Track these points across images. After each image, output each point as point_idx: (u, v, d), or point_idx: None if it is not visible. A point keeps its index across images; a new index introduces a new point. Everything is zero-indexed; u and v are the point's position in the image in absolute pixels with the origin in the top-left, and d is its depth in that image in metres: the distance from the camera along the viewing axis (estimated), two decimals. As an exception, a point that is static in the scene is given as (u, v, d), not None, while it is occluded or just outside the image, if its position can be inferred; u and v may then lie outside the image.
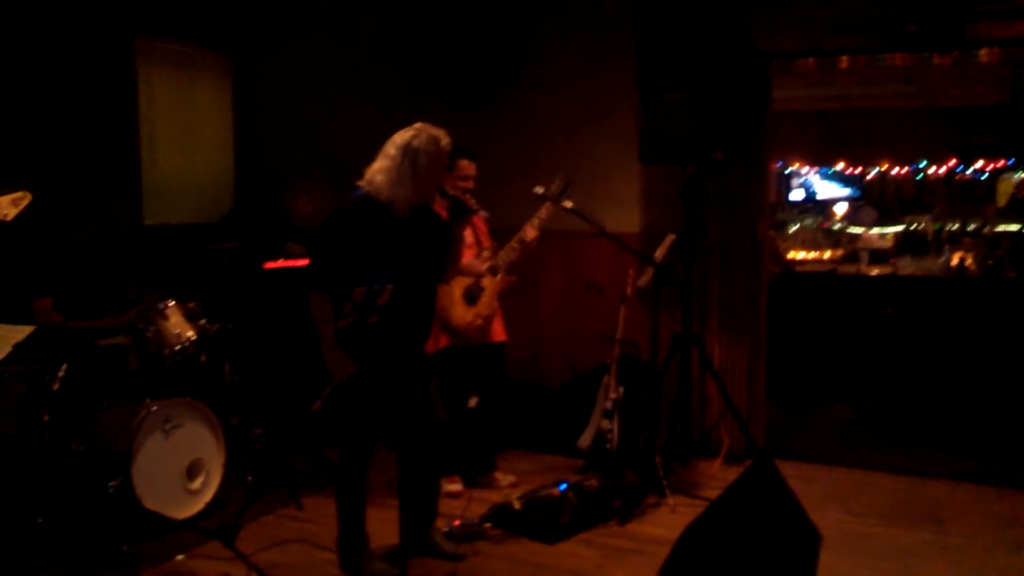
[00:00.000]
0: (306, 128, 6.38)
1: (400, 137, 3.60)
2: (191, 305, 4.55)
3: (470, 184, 4.49)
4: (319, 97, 6.39)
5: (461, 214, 3.88)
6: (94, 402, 4.31)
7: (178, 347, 4.39)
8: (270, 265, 5.54)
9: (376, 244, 3.54)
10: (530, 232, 4.65)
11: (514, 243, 4.65)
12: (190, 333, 4.45)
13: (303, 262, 5.56)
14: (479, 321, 4.59)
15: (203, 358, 4.60)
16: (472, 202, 3.89)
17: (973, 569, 3.88)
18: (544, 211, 4.64)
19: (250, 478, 4.65)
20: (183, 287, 4.79)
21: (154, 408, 4.15)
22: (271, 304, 5.49)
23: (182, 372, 4.49)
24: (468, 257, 4.57)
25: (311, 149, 6.32)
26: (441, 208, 4.00)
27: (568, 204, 4.53)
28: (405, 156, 3.54)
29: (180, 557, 3.92)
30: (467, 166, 4.50)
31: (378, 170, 3.59)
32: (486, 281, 4.61)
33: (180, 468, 4.27)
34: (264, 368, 5.42)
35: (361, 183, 3.62)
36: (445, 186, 3.84)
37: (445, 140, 3.61)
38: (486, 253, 4.66)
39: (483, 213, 4.01)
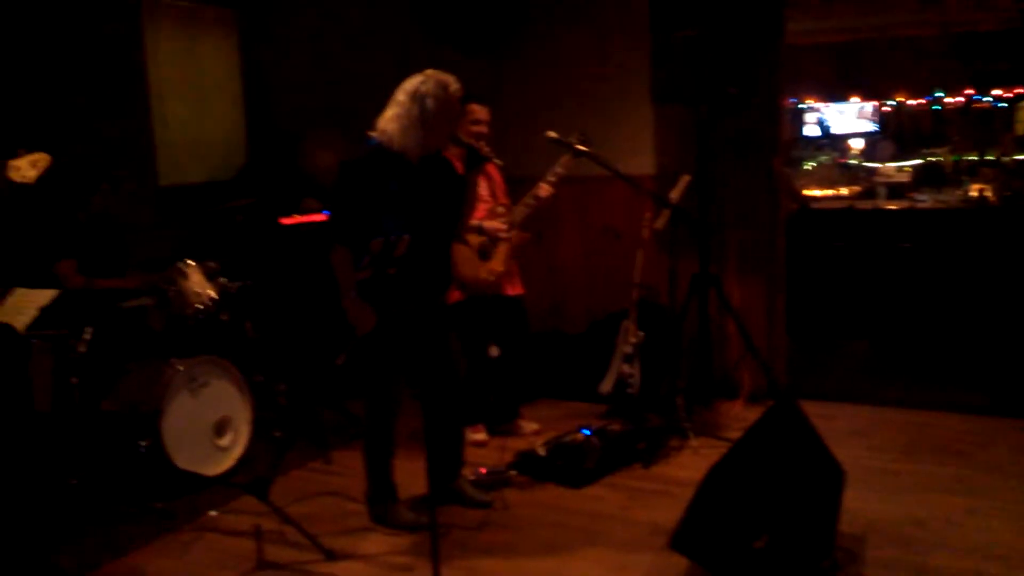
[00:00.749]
0: (317, 80, 6.33)
1: (409, 83, 3.58)
2: (211, 264, 4.57)
3: (483, 129, 4.45)
4: (329, 48, 6.33)
5: (476, 163, 3.86)
6: (120, 363, 4.37)
7: (200, 306, 4.42)
8: (286, 221, 5.54)
9: (391, 194, 3.54)
10: (544, 189, 4.61)
11: (529, 199, 4.62)
12: (211, 292, 4.48)
13: (319, 217, 5.56)
14: (492, 278, 4.58)
15: (225, 316, 4.63)
16: (486, 150, 3.86)
17: (995, 500, 3.91)
18: (560, 167, 4.60)
19: (278, 433, 4.70)
20: (201, 246, 4.80)
21: (180, 367, 4.20)
22: (289, 260, 5.51)
23: (205, 331, 4.52)
24: (483, 211, 4.56)
25: (323, 101, 6.28)
26: (455, 157, 3.98)
27: (582, 148, 4.49)
28: (414, 102, 3.52)
29: (213, 512, 4.00)
30: (478, 110, 4.46)
31: (389, 118, 3.58)
32: (503, 233, 4.59)
33: (208, 425, 4.33)
34: (285, 324, 5.45)
35: (373, 133, 3.61)
36: (459, 133, 3.82)
37: (455, 86, 3.58)
38: (500, 209, 4.64)
39: (497, 162, 3.99)
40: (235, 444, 4.44)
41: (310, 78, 6.35)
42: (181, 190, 5.73)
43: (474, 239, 4.53)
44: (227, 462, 4.38)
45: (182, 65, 5.92)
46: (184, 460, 4.12)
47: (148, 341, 4.52)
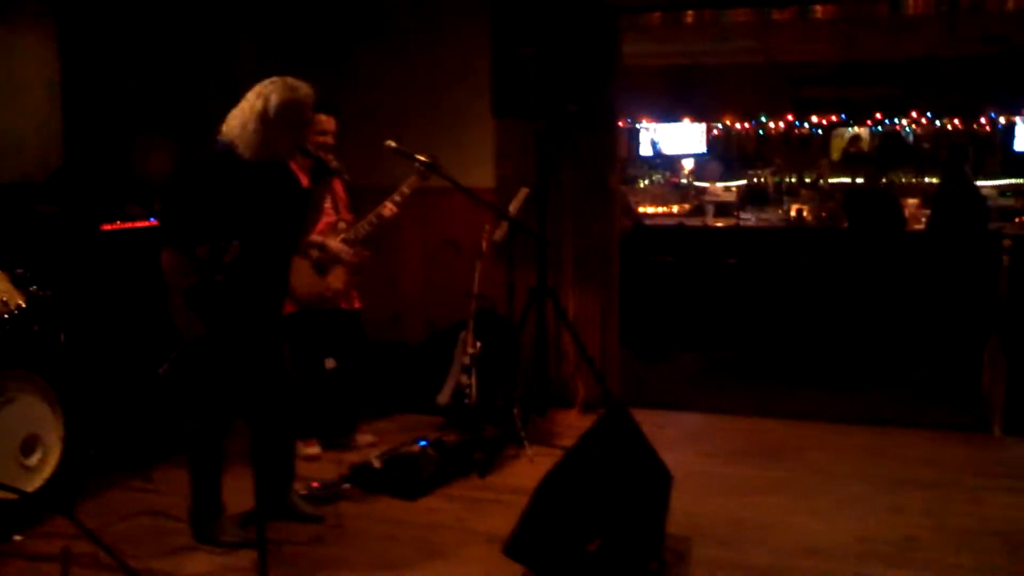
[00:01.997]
0: (145, 83, 6.03)
1: (259, 86, 3.45)
2: (19, 271, 4.25)
3: (329, 140, 4.35)
4: (159, 52, 6.04)
5: (322, 175, 3.76)
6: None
7: (5, 315, 4.09)
8: (108, 227, 5.23)
9: (230, 199, 3.39)
10: (388, 208, 4.52)
11: (372, 217, 4.52)
12: (19, 300, 4.16)
13: (143, 223, 5.29)
14: (328, 294, 4.47)
15: (36, 327, 4.31)
16: (335, 163, 3.77)
17: (814, 500, 4.12)
18: (406, 187, 4.53)
19: (92, 451, 4.42)
20: (9, 252, 4.46)
21: (-18, 381, 3.88)
22: (110, 268, 5.20)
23: (14, 342, 4.19)
24: (324, 225, 4.43)
25: (151, 105, 5.99)
26: (302, 168, 3.87)
27: (421, 157, 4.46)
28: (258, 98, 3.40)
29: (18, 536, 3.70)
30: (325, 120, 4.35)
31: (233, 116, 3.45)
32: (342, 251, 4.47)
33: (14, 444, 4.00)
34: (104, 336, 5.14)
35: (220, 135, 3.46)
36: (306, 144, 3.71)
37: (305, 90, 3.47)
38: (342, 224, 4.54)
39: (345, 177, 3.90)
40: (44, 463, 4.12)
41: (137, 81, 6.05)
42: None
43: (313, 253, 4.41)
44: (36, 482, 4.05)
45: (-7, 58, 5.51)
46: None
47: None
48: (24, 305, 4.13)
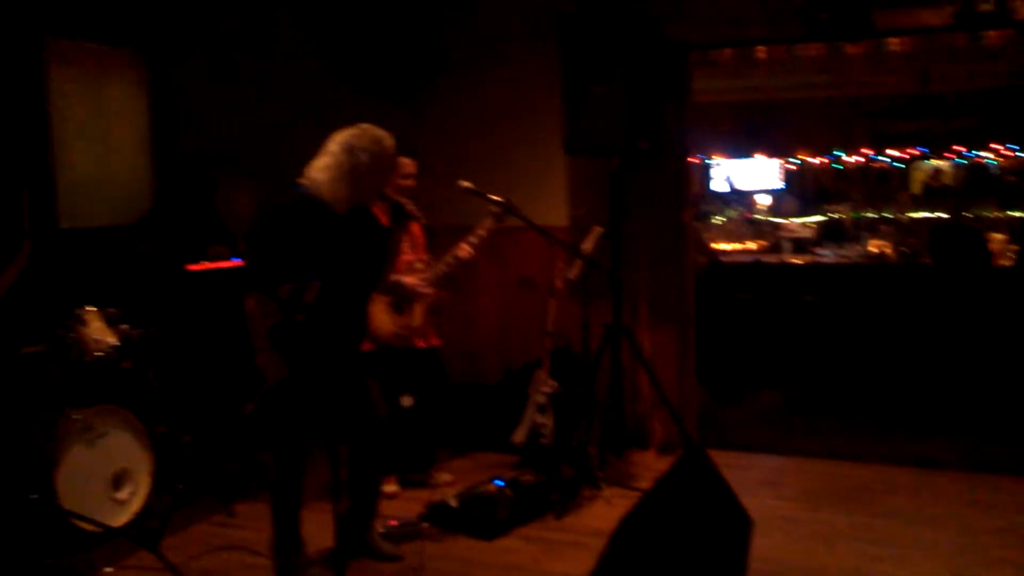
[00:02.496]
0: (227, 126, 6.24)
1: (342, 135, 3.54)
2: (111, 310, 4.42)
3: (411, 183, 4.45)
4: (240, 94, 6.26)
5: (400, 219, 3.82)
6: (15, 411, 4.16)
7: (99, 353, 4.25)
8: (193, 267, 5.41)
9: (314, 243, 3.48)
10: (465, 250, 4.59)
11: (449, 258, 4.59)
12: (111, 339, 4.32)
13: (227, 264, 5.45)
14: (405, 332, 4.53)
15: (127, 364, 4.46)
16: (411, 207, 3.82)
17: (896, 546, 4.00)
18: (482, 230, 4.59)
19: (180, 486, 4.54)
20: (103, 291, 4.64)
21: (76, 417, 4.02)
22: (195, 307, 5.36)
23: (106, 379, 4.35)
24: (402, 265, 4.50)
25: (234, 147, 6.19)
26: (380, 212, 3.96)
27: (495, 197, 4.51)
28: (346, 154, 3.49)
29: (108, 569, 3.81)
30: (407, 164, 4.47)
31: (319, 168, 3.53)
32: (419, 289, 4.53)
33: (106, 478, 4.15)
34: (190, 373, 5.29)
35: (302, 180, 3.56)
36: (385, 189, 3.80)
37: (389, 141, 3.57)
38: (419, 265, 4.61)
39: (422, 220, 3.97)
40: (134, 497, 4.26)
41: (220, 124, 6.26)
42: (82, 233, 5.55)
43: (389, 293, 4.49)
44: (125, 516, 4.19)
45: (88, 107, 5.77)
46: (79, 514, 3.92)
47: (45, 389, 4.32)
48: (117, 343, 4.29)
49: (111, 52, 5.96)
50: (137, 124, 6.10)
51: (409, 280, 4.48)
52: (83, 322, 4.26)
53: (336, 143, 3.53)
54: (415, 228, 4.63)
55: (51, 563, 3.77)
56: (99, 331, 4.30)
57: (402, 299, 4.50)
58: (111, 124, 5.93)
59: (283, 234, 3.50)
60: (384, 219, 3.91)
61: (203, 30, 6.29)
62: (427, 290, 4.49)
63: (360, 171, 3.49)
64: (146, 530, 3.76)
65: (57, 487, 3.87)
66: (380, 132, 3.56)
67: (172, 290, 5.24)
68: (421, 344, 4.69)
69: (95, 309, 4.33)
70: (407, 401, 4.74)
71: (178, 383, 5.11)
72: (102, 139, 5.85)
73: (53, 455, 3.90)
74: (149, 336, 4.58)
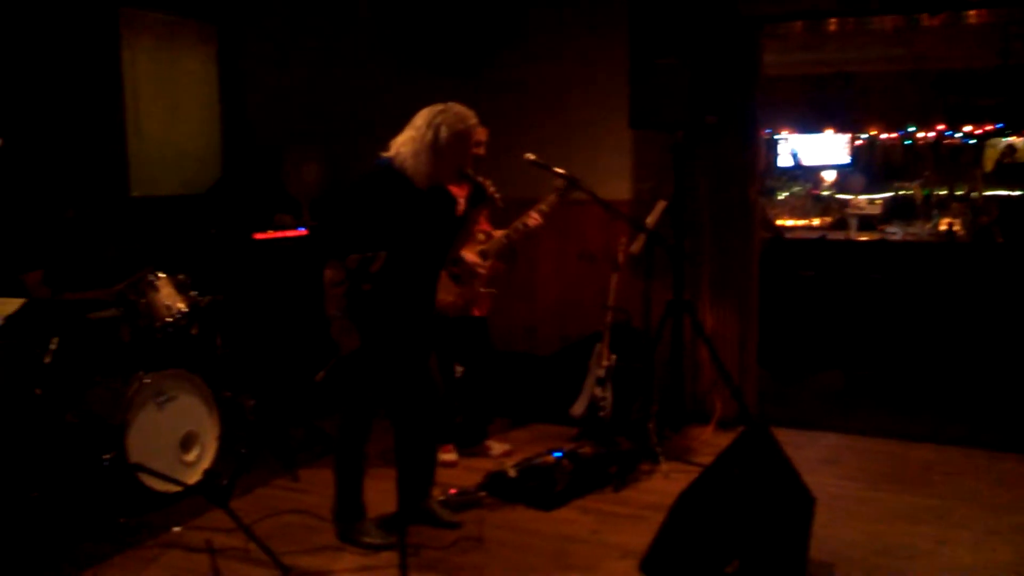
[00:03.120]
0: (294, 97, 6.31)
1: (429, 110, 3.59)
2: (180, 277, 4.51)
3: (482, 151, 4.46)
4: (307, 66, 6.32)
5: (480, 200, 3.83)
6: (87, 375, 4.29)
7: (169, 319, 4.35)
8: (259, 236, 5.50)
9: (391, 214, 3.53)
10: (534, 219, 4.60)
11: (510, 232, 4.60)
12: (181, 305, 4.41)
13: (292, 233, 5.53)
14: (460, 302, 4.56)
15: (194, 330, 4.57)
16: (492, 189, 3.82)
17: (963, 530, 3.92)
18: (545, 205, 4.60)
19: (244, 450, 4.64)
20: (172, 259, 4.75)
21: (147, 380, 4.14)
22: (261, 275, 5.46)
23: (174, 344, 4.46)
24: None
25: (300, 118, 6.26)
26: (461, 192, 3.97)
27: (560, 170, 4.50)
28: (429, 129, 3.53)
29: (177, 528, 3.93)
30: (480, 132, 4.47)
31: (403, 142, 3.59)
32: (478, 264, 4.53)
33: (174, 440, 4.27)
34: (255, 340, 5.40)
35: (385, 153, 3.61)
36: (467, 169, 3.81)
37: (473, 120, 3.61)
38: (481, 236, 4.63)
39: (500, 203, 3.96)
40: (201, 459, 4.38)
41: (287, 95, 6.34)
42: (153, 201, 5.67)
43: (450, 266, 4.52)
44: (193, 477, 4.30)
45: (159, 77, 5.88)
46: (148, 474, 4.04)
47: (116, 353, 4.45)
48: (186, 309, 4.39)
49: (183, 23, 6.05)
50: (207, 95, 6.20)
51: (469, 257, 4.50)
52: (154, 288, 4.36)
53: (422, 118, 3.57)
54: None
55: (123, 522, 3.89)
56: (169, 297, 4.40)
57: (461, 271, 4.52)
58: (182, 94, 6.03)
59: (362, 204, 3.56)
60: (462, 201, 3.92)
61: (273, 3, 6.36)
62: (484, 268, 4.51)
63: (441, 147, 3.53)
64: (216, 488, 3.86)
65: (128, 448, 3.99)
66: (465, 111, 3.59)
67: (239, 258, 5.33)
68: (476, 313, 4.72)
69: (165, 275, 4.43)
70: (458, 370, 4.78)
71: (243, 348, 5.22)
72: (173, 109, 5.96)
73: (124, 417, 4.01)
74: (216, 303, 4.68)
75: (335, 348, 3.58)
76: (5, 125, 4.82)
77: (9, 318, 3.74)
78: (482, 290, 4.62)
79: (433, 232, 3.68)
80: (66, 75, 5.24)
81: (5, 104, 4.93)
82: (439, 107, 3.58)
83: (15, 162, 3.78)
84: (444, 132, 3.52)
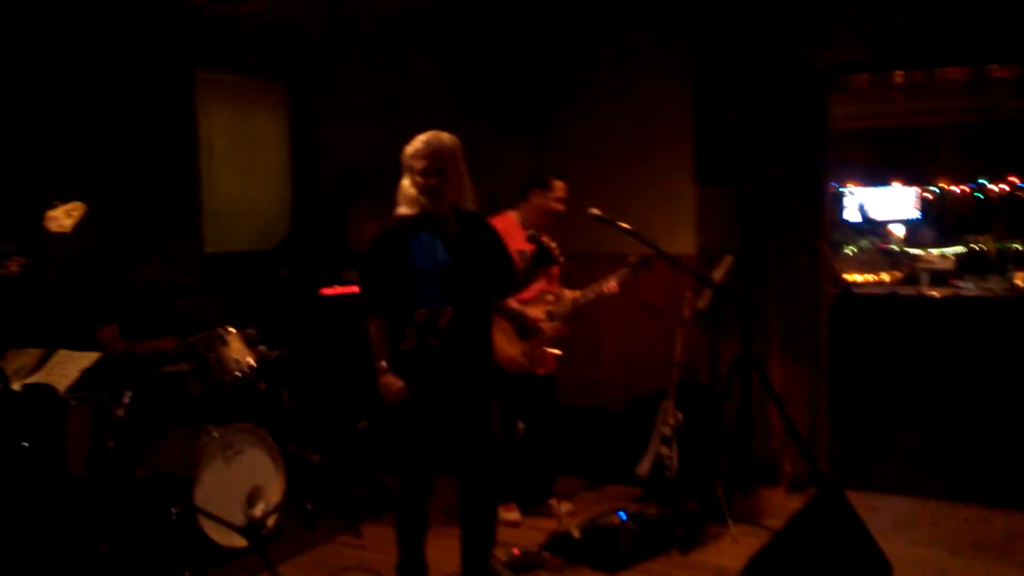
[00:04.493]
0: (362, 155, 6.42)
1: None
2: (250, 331, 4.58)
3: (561, 207, 4.51)
4: (375, 124, 6.43)
5: (543, 262, 3.79)
6: (157, 428, 4.36)
7: (238, 373, 4.42)
8: (327, 291, 5.57)
9: (415, 257, 3.56)
10: (611, 287, 4.63)
11: (596, 287, 4.62)
12: (250, 359, 4.47)
13: (358, 288, 5.58)
14: (524, 360, 4.53)
15: (262, 385, 4.62)
16: (557, 251, 3.77)
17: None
18: (620, 276, 4.64)
19: (309, 505, 4.65)
20: (242, 313, 4.83)
21: (216, 434, 4.19)
22: (328, 330, 5.52)
23: (242, 398, 4.52)
24: (534, 292, 4.52)
25: (367, 175, 6.34)
26: (522, 254, 3.95)
27: (624, 225, 4.49)
28: (403, 165, 3.65)
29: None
30: (562, 187, 4.55)
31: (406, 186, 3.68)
32: (543, 323, 4.57)
33: (241, 494, 4.30)
34: (322, 395, 5.44)
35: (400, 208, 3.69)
36: (544, 211, 3.89)
37: (422, 137, 3.65)
38: (550, 297, 4.62)
39: (562, 262, 3.92)
40: (267, 514, 4.39)
41: (354, 152, 6.45)
42: (225, 257, 5.80)
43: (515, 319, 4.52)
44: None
45: (232, 136, 6.06)
46: (215, 529, 4.07)
47: (186, 407, 4.52)
48: (254, 365, 4.44)
49: (256, 83, 6.24)
50: (279, 153, 6.36)
51: (533, 313, 4.49)
52: (224, 342, 4.43)
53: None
54: None
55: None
56: (238, 351, 4.46)
57: (529, 327, 4.52)
58: (254, 153, 6.20)
59: (383, 257, 3.63)
60: (529, 252, 3.87)
61: (341, 64, 6.51)
62: (549, 326, 4.50)
63: (404, 163, 3.63)
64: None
65: (196, 502, 4.02)
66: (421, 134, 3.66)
67: (306, 313, 5.40)
68: (540, 371, 4.68)
69: (235, 330, 4.50)
70: (520, 427, 4.74)
71: (309, 403, 5.26)
72: (245, 167, 6.12)
73: (193, 472, 4.05)
74: (284, 357, 4.74)
75: (382, 401, 3.59)
76: (85, 180, 5.00)
77: (84, 372, 3.82)
78: (548, 349, 4.60)
79: (470, 262, 3.64)
80: (145, 134, 5.44)
81: (88, 165, 5.12)
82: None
83: (94, 219, 3.91)
84: (406, 161, 3.63)
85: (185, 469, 4.06)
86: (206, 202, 5.81)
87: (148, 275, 4.71)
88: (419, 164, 3.61)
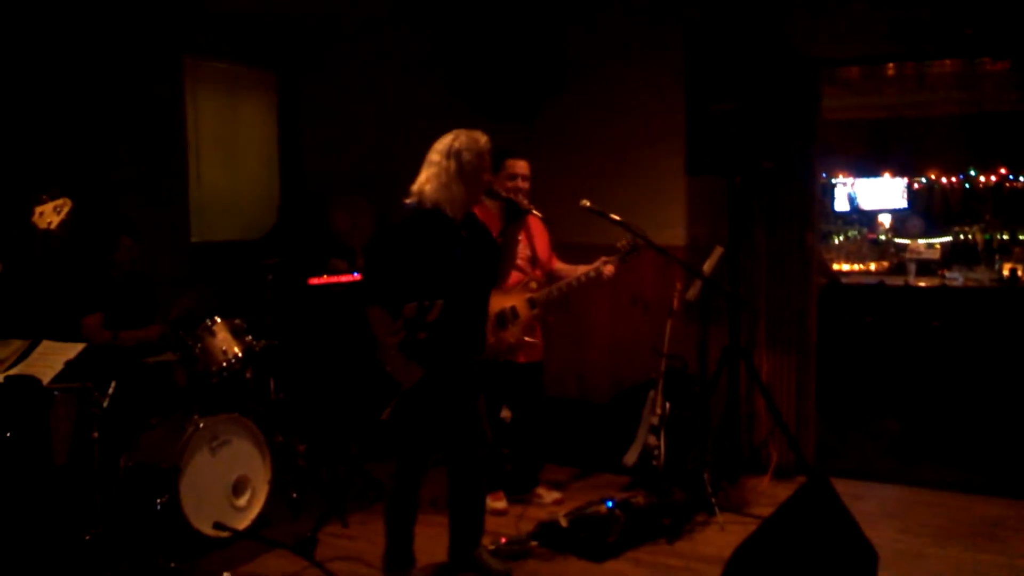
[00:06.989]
0: (350, 144, 6.41)
1: (441, 143, 3.61)
2: (237, 321, 4.56)
3: (520, 184, 4.43)
4: (362, 114, 6.41)
5: (515, 215, 3.83)
6: (142, 419, 4.34)
7: (225, 363, 4.40)
8: (314, 281, 5.54)
9: (434, 255, 3.54)
10: (609, 270, 4.57)
11: (591, 272, 4.56)
12: (236, 349, 4.46)
13: (346, 278, 5.57)
14: (502, 347, 4.51)
15: (249, 374, 4.60)
16: (525, 202, 3.84)
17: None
18: (611, 265, 4.58)
19: (295, 495, 4.64)
20: (229, 303, 4.81)
21: (202, 425, 4.17)
22: (316, 320, 5.50)
23: (229, 388, 4.50)
24: (516, 279, 4.48)
25: (355, 165, 6.34)
26: (494, 212, 3.96)
27: (615, 217, 4.48)
28: (450, 159, 3.55)
29: (227, 574, 3.92)
30: (514, 164, 4.44)
31: (425, 180, 3.60)
32: (522, 310, 4.51)
33: (226, 484, 4.28)
34: (309, 385, 5.42)
35: (409, 199, 3.62)
36: (495, 187, 3.83)
37: (484, 139, 3.63)
38: (533, 284, 4.60)
39: (537, 213, 3.96)
40: (252, 504, 4.38)
41: (343, 143, 6.43)
42: (212, 247, 5.77)
43: (496, 305, 4.49)
44: (244, 522, 4.31)
45: (221, 125, 6.01)
46: (200, 519, 4.06)
47: (172, 397, 4.50)
48: (241, 355, 4.43)
49: (245, 72, 6.20)
50: (267, 143, 6.32)
51: (513, 301, 4.44)
52: (211, 332, 4.41)
53: (437, 153, 3.60)
54: (535, 224, 4.61)
55: (174, 566, 3.90)
56: (225, 342, 4.45)
57: (505, 315, 4.47)
58: (242, 142, 6.16)
59: (399, 251, 3.56)
60: (497, 220, 3.91)
61: (330, 53, 6.47)
62: (529, 317, 4.48)
63: (468, 171, 3.56)
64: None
65: (181, 492, 4.01)
66: (474, 132, 3.63)
67: (294, 302, 5.38)
68: (522, 359, 4.67)
69: (222, 320, 4.48)
70: (505, 414, 4.73)
71: (296, 393, 5.24)
72: (233, 156, 6.08)
73: (178, 461, 4.03)
74: (272, 348, 4.72)
75: (396, 386, 3.56)
76: (69, 169, 4.96)
77: (68, 363, 3.79)
78: (526, 339, 4.56)
79: (477, 261, 3.66)
80: (131, 122, 5.39)
81: (70, 149, 5.07)
82: (449, 136, 3.61)
83: (77, 211, 3.88)
84: (467, 156, 3.55)
85: (170, 459, 4.04)
86: (193, 191, 5.78)
87: (122, 257, 4.65)
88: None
